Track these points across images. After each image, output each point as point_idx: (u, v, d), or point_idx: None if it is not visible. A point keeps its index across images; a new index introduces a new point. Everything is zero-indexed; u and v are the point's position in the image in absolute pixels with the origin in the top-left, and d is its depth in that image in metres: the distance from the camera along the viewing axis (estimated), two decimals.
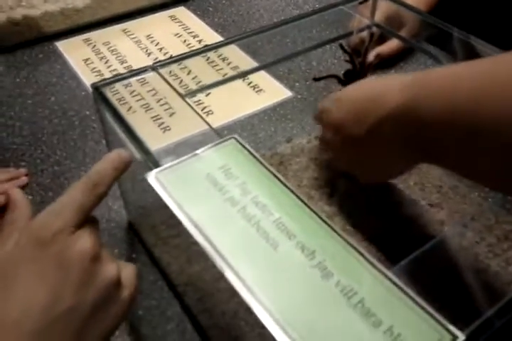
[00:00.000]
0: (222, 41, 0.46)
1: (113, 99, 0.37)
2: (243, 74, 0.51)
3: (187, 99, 0.39)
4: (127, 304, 0.28)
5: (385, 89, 0.35)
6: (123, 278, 0.28)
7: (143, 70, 0.39)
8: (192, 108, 0.37)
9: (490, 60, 0.31)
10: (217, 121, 0.60)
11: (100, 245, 0.27)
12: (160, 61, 0.41)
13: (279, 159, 0.54)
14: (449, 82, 0.31)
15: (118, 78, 0.38)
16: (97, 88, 0.37)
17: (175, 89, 0.38)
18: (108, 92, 0.38)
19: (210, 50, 0.44)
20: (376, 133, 0.36)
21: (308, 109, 0.61)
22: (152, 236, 0.45)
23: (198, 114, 0.36)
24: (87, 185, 0.28)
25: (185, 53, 0.43)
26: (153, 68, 0.40)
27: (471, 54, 0.46)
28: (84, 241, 0.26)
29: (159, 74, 0.40)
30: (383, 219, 0.48)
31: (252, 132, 0.59)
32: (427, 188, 0.51)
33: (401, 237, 0.46)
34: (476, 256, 0.44)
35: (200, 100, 0.64)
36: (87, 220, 0.28)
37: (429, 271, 0.40)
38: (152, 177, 0.30)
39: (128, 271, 0.29)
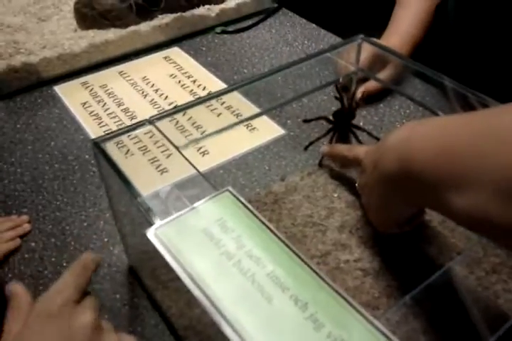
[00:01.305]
0: (219, 91, 0.49)
1: (113, 156, 0.38)
2: (242, 121, 0.53)
3: (182, 151, 0.42)
4: None
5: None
6: None
7: (140, 124, 0.42)
8: (188, 161, 0.39)
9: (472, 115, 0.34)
10: (213, 161, 0.62)
11: (100, 317, 0.31)
12: (156, 115, 0.43)
13: (274, 197, 0.56)
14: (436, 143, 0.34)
15: (116, 134, 0.40)
16: (96, 143, 0.39)
17: (171, 142, 0.41)
18: (107, 146, 0.40)
19: (202, 102, 0.46)
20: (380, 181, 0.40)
21: (301, 146, 0.64)
22: (153, 280, 0.46)
23: (194, 167, 0.38)
24: (79, 269, 0.34)
25: (178, 106, 0.45)
26: (150, 122, 0.42)
27: (457, 99, 0.49)
28: (85, 314, 0.30)
29: (156, 127, 0.42)
30: (375, 255, 0.49)
31: (246, 171, 0.61)
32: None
33: (393, 274, 0.48)
34: (464, 292, 0.46)
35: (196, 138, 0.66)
36: (85, 296, 0.33)
37: (421, 313, 0.42)
38: (151, 234, 0.32)
39: None
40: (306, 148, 0.59)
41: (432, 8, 0.80)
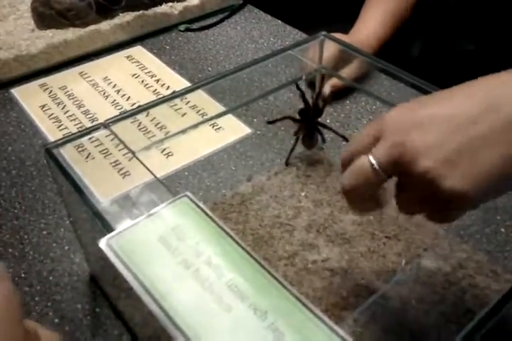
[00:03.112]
0: (183, 90, 0.48)
1: (66, 162, 0.37)
2: (206, 120, 0.52)
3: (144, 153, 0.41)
4: None
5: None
6: None
7: (95, 128, 0.40)
8: (144, 166, 0.37)
9: None
10: (178, 162, 0.60)
11: None
12: (112, 118, 0.41)
13: (240, 199, 0.55)
14: None
15: (69, 139, 0.39)
16: (48, 150, 0.37)
17: (127, 147, 0.39)
18: (61, 152, 0.38)
19: (162, 102, 0.45)
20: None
21: (267, 145, 0.63)
22: (114, 289, 0.45)
23: (150, 172, 0.37)
24: None
25: (137, 107, 0.44)
26: (105, 125, 0.40)
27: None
28: None
29: (111, 131, 0.40)
30: (343, 254, 0.49)
31: (212, 172, 0.60)
32: (384, 220, 0.53)
33: (361, 273, 0.47)
34: (432, 288, 0.46)
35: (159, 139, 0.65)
36: None
37: (389, 311, 0.41)
38: (104, 244, 0.30)
39: None
40: (286, 163, 0.58)
41: (404, 2, 0.80)
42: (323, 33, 0.53)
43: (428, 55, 0.84)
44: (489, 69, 0.33)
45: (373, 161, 0.31)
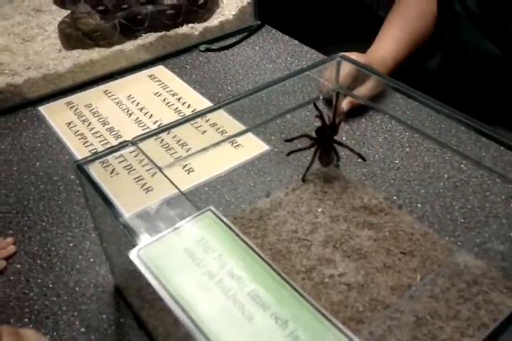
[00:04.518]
0: (204, 110, 0.50)
1: (98, 176, 0.39)
2: (227, 139, 0.54)
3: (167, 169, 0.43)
4: None
5: None
6: None
7: (123, 146, 0.42)
8: (170, 181, 0.39)
9: None
10: (199, 178, 0.62)
11: None
12: (139, 135, 0.44)
13: (259, 214, 0.57)
14: None
15: (99, 155, 0.41)
16: (79, 166, 0.40)
17: (154, 163, 0.41)
18: (92, 167, 0.40)
19: (186, 122, 0.47)
20: None
21: (285, 162, 0.64)
22: (138, 300, 0.46)
23: (176, 187, 0.39)
24: None
25: (162, 126, 0.46)
26: (133, 143, 0.43)
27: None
28: None
29: (139, 148, 0.42)
30: (359, 269, 0.50)
31: (231, 187, 0.62)
32: (399, 236, 0.54)
33: (377, 287, 0.48)
34: (447, 303, 0.46)
35: (180, 156, 0.67)
36: None
37: (404, 325, 0.42)
38: (134, 255, 0.32)
39: None
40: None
41: (424, 21, 0.81)
42: (340, 54, 0.55)
43: (447, 67, 0.84)
44: None
45: None
